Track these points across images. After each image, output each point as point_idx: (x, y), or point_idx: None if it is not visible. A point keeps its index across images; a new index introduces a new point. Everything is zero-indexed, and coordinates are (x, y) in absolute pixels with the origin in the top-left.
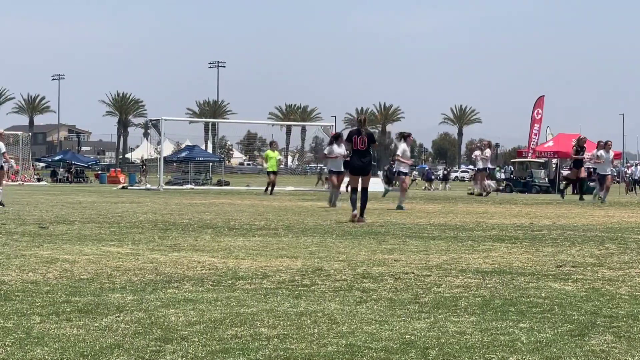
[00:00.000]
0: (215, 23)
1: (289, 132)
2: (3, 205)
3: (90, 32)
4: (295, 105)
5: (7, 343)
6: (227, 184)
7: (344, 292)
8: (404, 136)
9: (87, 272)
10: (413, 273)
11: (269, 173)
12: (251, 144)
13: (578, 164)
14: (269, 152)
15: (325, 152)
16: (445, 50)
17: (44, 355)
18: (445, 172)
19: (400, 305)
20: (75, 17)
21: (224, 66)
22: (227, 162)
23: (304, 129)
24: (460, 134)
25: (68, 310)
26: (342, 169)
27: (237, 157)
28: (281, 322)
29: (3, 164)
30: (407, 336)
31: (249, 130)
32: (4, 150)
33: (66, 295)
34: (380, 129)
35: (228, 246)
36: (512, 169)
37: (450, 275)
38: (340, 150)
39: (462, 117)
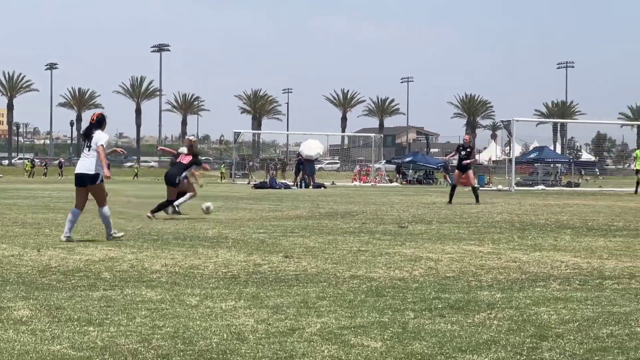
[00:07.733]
0: (563, 22)
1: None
2: None
3: (437, 36)
4: None
5: (385, 337)
6: (577, 185)
7: None
8: None
9: (452, 270)
10: None
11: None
12: (601, 145)
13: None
14: (637, 152)
15: None
16: None
17: (422, 349)
18: None
19: None
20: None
21: (572, 66)
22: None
23: None
24: None
25: (440, 306)
26: None
27: (586, 158)
28: None
29: None
30: None
31: (598, 131)
32: None
33: (435, 292)
34: None
35: (589, 246)
36: None
37: None
38: None
39: None
